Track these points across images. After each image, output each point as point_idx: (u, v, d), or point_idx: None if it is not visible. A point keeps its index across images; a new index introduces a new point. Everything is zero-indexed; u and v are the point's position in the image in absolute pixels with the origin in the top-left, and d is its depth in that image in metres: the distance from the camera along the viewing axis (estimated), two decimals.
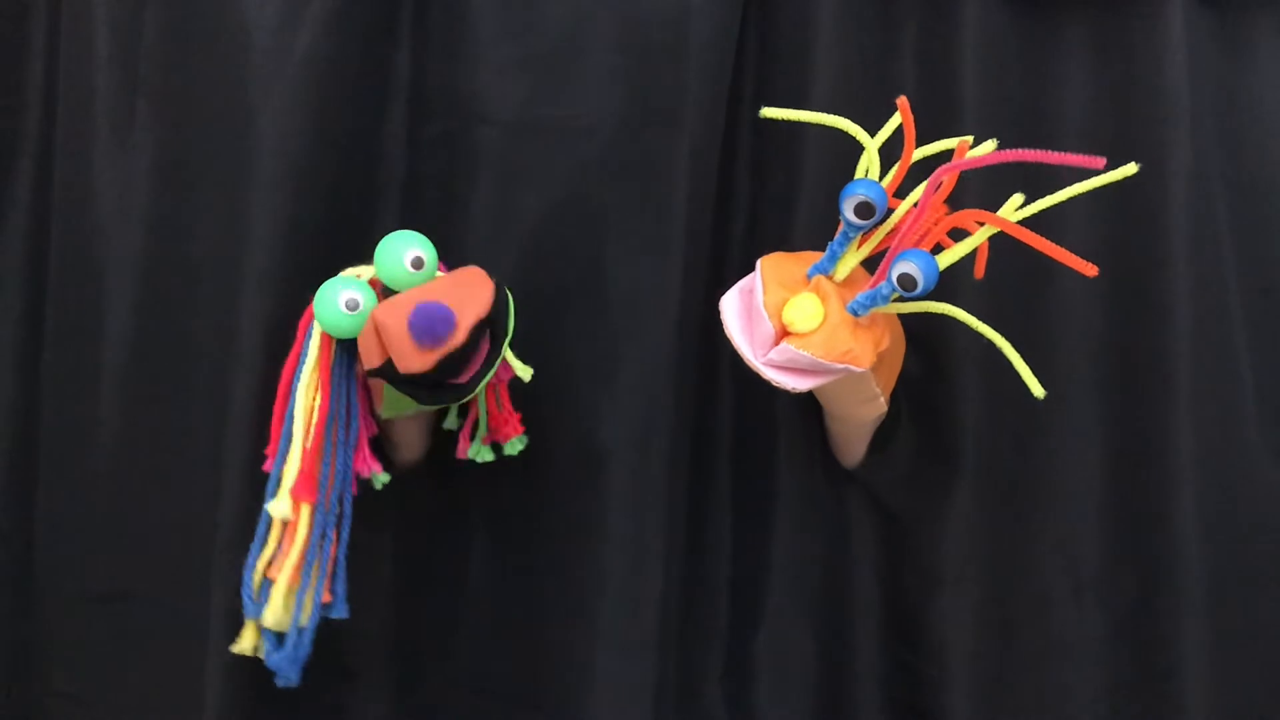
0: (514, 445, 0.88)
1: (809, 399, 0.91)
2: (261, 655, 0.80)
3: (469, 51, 0.91)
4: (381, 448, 0.88)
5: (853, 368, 0.72)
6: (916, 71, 0.93)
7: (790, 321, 0.72)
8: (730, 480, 0.96)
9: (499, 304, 0.77)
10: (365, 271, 0.79)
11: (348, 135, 0.89)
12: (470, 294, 0.75)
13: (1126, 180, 0.89)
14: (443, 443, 0.90)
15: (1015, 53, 0.93)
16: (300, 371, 0.79)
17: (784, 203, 0.93)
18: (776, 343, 0.73)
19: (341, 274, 0.79)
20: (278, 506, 0.78)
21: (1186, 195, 0.91)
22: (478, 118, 0.91)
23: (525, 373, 0.82)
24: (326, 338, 0.79)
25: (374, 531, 0.87)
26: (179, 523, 0.91)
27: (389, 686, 0.94)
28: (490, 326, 0.76)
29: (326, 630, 0.81)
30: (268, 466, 0.79)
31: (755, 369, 0.74)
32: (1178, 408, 0.90)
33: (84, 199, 0.92)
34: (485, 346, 0.76)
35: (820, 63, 0.91)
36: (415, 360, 0.72)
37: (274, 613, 0.78)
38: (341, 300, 0.75)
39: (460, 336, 0.73)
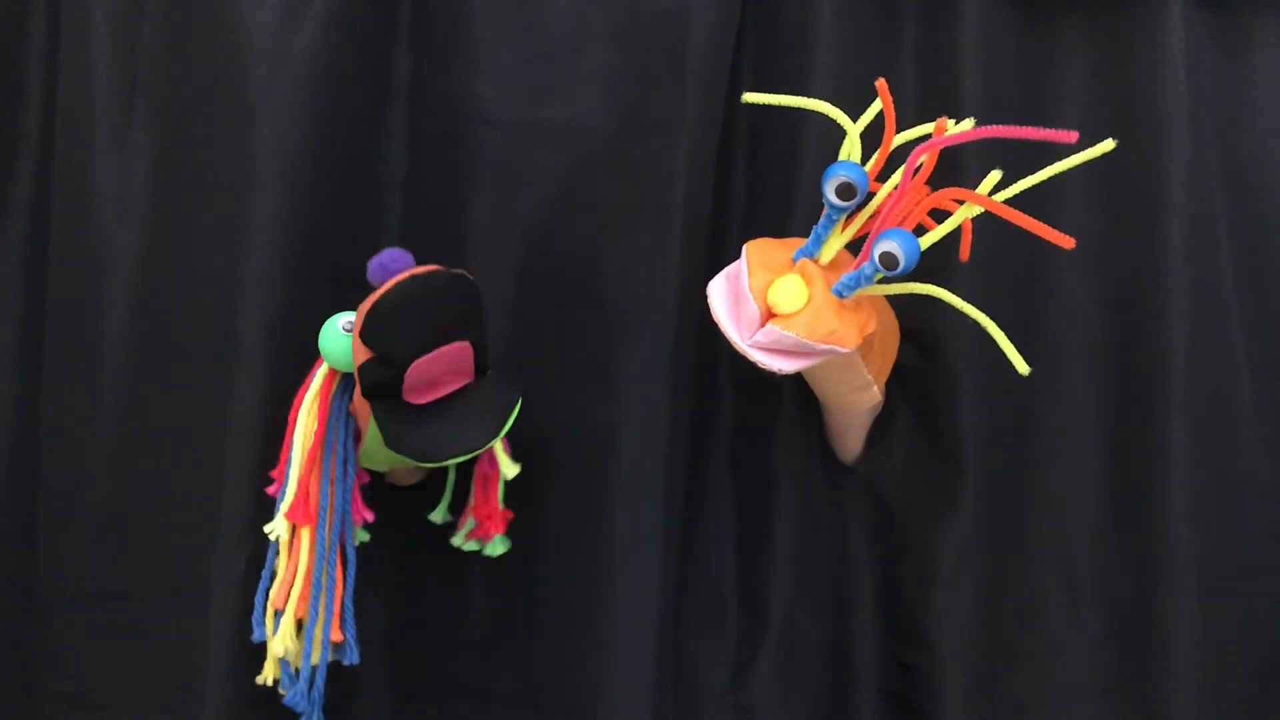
0: (495, 546, 0.89)
1: (808, 396, 0.91)
2: (280, 689, 0.82)
3: (469, 52, 0.92)
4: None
5: (838, 348, 0.73)
6: (916, 70, 0.94)
7: (775, 303, 0.72)
8: (731, 479, 0.96)
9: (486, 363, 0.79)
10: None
11: (346, 135, 0.90)
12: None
13: (1125, 178, 0.90)
14: None
15: (1014, 52, 0.94)
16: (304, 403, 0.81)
17: (781, 201, 0.93)
18: (762, 324, 0.73)
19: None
20: (274, 526, 0.79)
21: (1185, 194, 0.91)
22: (477, 118, 0.92)
23: (510, 470, 0.83)
24: (330, 374, 0.80)
25: (370, 533, 0.87)
26: (178, 523, 0.91)
27: (387, 688, 0.94)
28: (476, 352, 0.77)
29: None
30: (272, 490, 0.81)
31: (741, 351, 0.74)
32: (1174, 407, 0.90)
33: (83, 199, 0.93)
34: (467, 350, 0.77)
35: (819, 62, 0.92)
36: (371, 299, 0.74)
37: (282, 641, 0.79)
38: (340, 323, 0.77)
39: (415, 271, 0.74)
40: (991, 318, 0.74)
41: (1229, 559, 0.92)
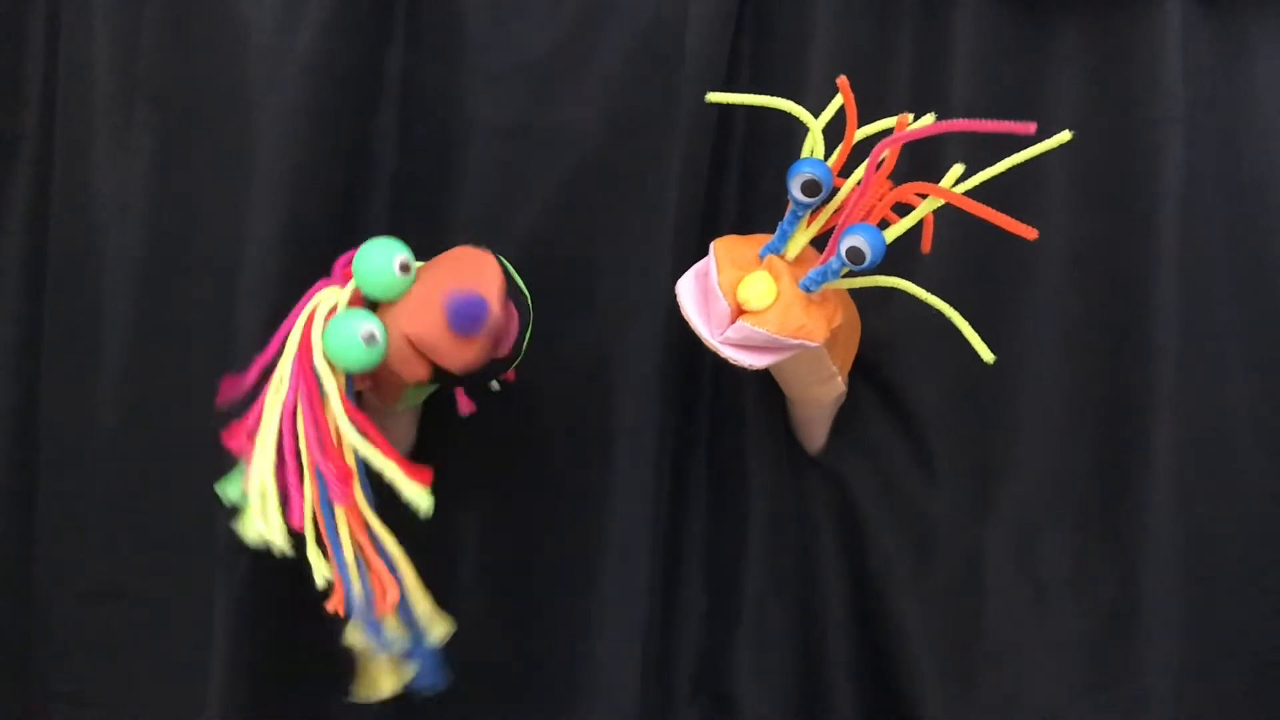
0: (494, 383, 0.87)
1: (777, 392, 0.91)
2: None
3: (463, 54, 0.93)
4: None
5: (807, 343, 0.74)
6: (911, 71, 0.95)
7: (745, 300, 0.73)
8: (706, 470, 0.96)
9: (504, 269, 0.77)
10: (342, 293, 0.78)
11: (344, 135, 0.91)
12: (477, 271, 0.75)
13: (1122, 178, 0.90)
14: (426, 441, 0.92)
15: (1010, 51, 0.94)
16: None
17: (774, 203, 0.93)
18: (732, 321, 0.74)
19: (322, 293, 0.76)
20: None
21: (1180, 193, 0.91)
22: (470, 120, 0.93)
23: None
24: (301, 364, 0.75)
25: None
26: (177, 522, 0.92)
27: None
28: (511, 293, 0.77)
29: (316, 630, 0.81)
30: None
31: (713, 348, 0.75)
32: (1164, 405, 0.90)
33: (83, 199, 0.94)
34: (514, 314, 0.77)
35: (815, 64, 0.93)
36: (466, 353, 0.73)
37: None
38: (362, 335, 0.72)
39: (496, 310, 0.73)
40: (976, 313, 0.75)
41: (1216, 558, 0.91)
